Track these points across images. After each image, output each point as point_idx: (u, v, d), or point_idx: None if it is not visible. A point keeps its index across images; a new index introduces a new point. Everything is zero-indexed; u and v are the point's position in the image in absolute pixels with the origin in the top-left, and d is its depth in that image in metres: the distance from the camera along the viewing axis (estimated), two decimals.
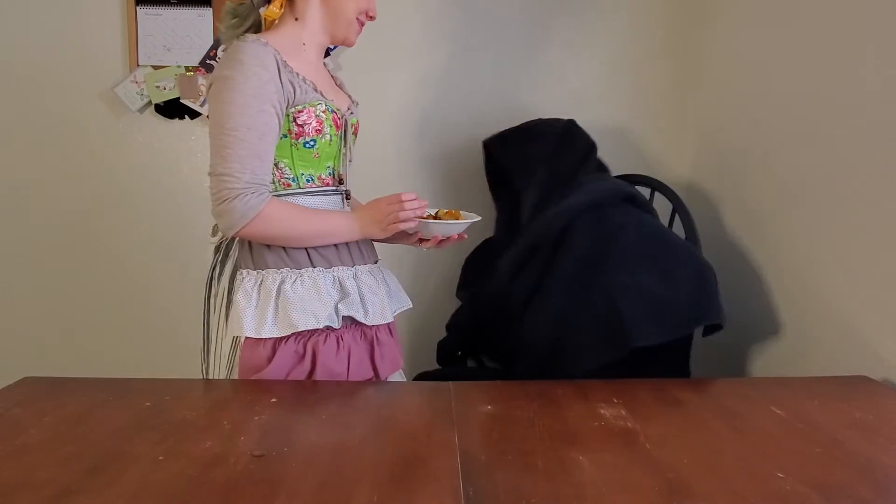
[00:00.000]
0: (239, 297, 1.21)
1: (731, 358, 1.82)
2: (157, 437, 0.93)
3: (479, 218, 1.33)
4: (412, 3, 2.05)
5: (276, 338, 1.20)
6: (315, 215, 1.25)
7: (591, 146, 1.84)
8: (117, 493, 0.77)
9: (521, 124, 1.90)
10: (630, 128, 2.11)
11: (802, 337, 1.51)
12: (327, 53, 2.01)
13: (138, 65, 2.03)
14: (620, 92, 2.10)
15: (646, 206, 1.69)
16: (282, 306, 1.19)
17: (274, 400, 1.08)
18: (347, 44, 1.33)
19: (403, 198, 1.22)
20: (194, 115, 2.07)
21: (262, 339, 1.19)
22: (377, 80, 2.06)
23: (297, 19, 1.28)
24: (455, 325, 1.90)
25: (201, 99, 2.05)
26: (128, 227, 2.11)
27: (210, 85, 1.19)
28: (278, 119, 1.18)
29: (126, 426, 0.97)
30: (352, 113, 1.36)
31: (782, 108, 1.61)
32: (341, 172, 1.33)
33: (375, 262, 1.39)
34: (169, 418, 1.01)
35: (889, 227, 1.25)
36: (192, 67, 2.04)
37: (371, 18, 1.31)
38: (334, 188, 1.32)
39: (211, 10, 2.02)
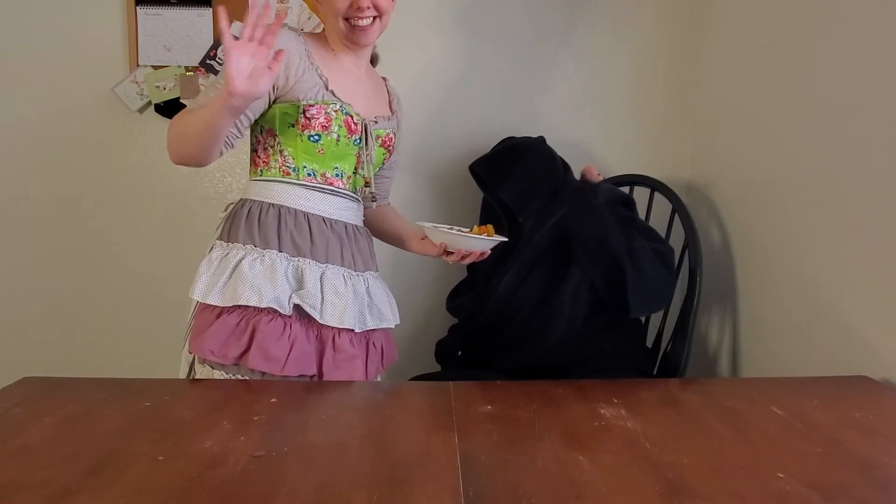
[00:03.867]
0: (203, 263, 1.27)
1: (731, 358, 1.82)
2: (157, 437, 0.92)
3: (505, 239, 1.39)
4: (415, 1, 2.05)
5: (223, 307, 1.23)
6: (200, 108, 1.21)
7: (561, 159, 1.88)
8: (117, 493, 0.77)
9: (500, 145, 1.91)
10: (630, 128, 2.11)
11: (802, 337, 1.51)
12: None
13: (138, 65, 2.03)
14: (620, 92, 2.10)
15: (635, 209, 1.79)
16: (234, 279, 1.23)
17: (274, 400, 1.08)
18: (353, 46, 1.34)
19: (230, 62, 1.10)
20: None
21: (210, 305, 1.24)
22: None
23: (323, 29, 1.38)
24: (455, 326, 1.91)
25: None
26: (128, 227, 2.10)
27: None
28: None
29: (126, 426, 0.97)
30: (376, 123, 1.37)
31: (782, 108, 1.61)
32: (367, 177, 1.37)
33: (365, 272, 1.37)
34: (169, 418, 1.01)
35: (889, 227, 1.25)
36: (192, 67, 2.04)
37: (359, 10, 1.27)
38: (343, 190, 1.35)
39: (211, 10, 2.02)
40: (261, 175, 1.33)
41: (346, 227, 1.36)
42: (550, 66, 2.09)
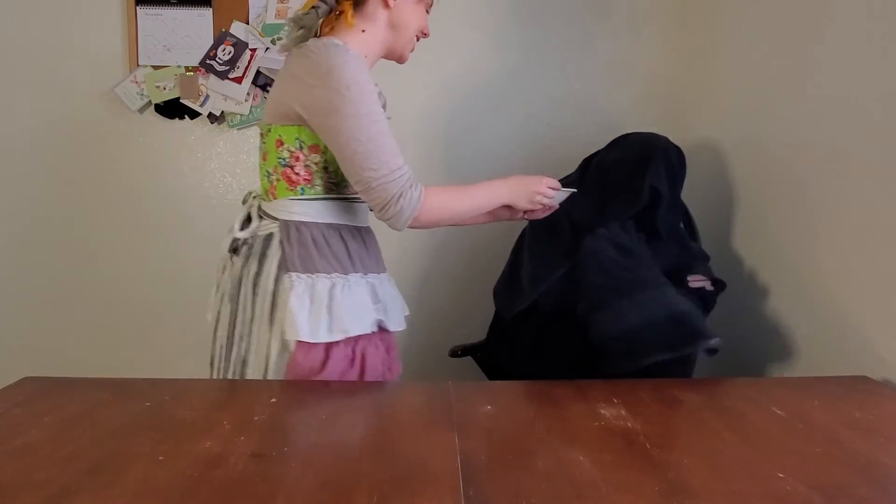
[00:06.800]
0: (292, 301, 1.19)
1: (731, 358, 1.81)
2: (157, 437, 0.93)
3: (575, 190, 1.40)
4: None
5: (328, 342, 1.21)
6: (468, 192, 1.26)
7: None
8: (117, 493, 0.77)
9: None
10: (630, 128, 2.11)
11: (802, 337, 1.51)
12: None
13: (138, 65, 2.03)
14: (620, 92, 2.10)
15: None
16: (335, 311, 1.20)
17: (274, 400, 1.08)
18: (402, 60, 1.33)
19: (546, 183, 1.33)
20: (194, 115, 2.07)
21: (315, 343, 1.19)
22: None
23: (363, 31, 1.26)
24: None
25: (201, 99, 2.05)
26: (128, 227, 2.11)
27: (328, 96, 1.13)
28: None
29: (126, 426, 0.97)
30: None
31: (782, 107, 1.61)
32: None
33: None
34: (169, 418, 1.00)
35: (889, 227, 1.25)
36: (192, 67, 2.04)
37: (426, 36, 1.32)
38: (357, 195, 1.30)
39: (211, 10, 2.02)
40: (302, 194, 1.24)
41: (370, 231, 1.36)
42: (550, 68, 2.09)
